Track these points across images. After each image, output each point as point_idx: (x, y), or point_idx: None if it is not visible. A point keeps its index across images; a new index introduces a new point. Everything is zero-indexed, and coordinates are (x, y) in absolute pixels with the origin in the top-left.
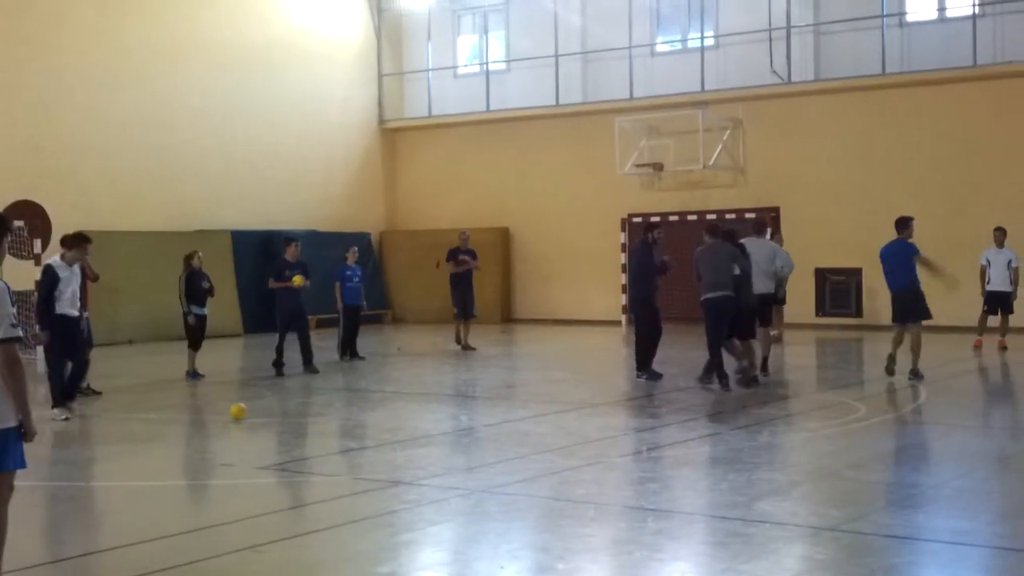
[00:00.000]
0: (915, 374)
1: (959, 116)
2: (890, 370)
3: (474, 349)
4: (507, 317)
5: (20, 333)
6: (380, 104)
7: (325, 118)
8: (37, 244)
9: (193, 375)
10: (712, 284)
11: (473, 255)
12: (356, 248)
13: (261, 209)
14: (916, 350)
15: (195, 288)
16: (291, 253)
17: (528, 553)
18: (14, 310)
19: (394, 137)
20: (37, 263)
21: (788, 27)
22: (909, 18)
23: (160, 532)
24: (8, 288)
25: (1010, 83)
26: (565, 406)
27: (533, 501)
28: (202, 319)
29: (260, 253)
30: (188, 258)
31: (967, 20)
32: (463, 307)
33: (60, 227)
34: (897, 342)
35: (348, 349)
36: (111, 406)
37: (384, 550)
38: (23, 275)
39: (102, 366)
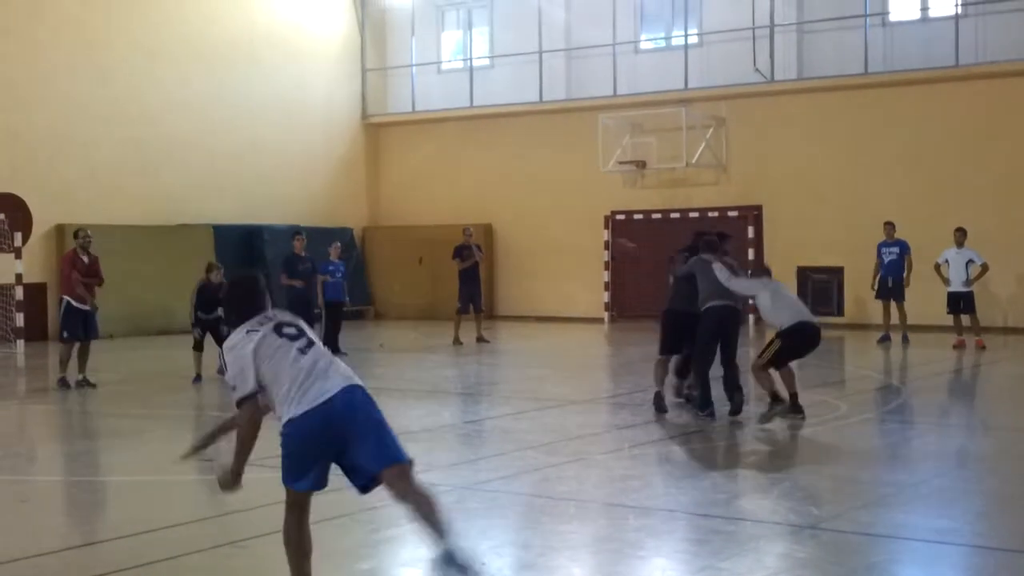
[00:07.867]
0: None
1: (941, 116)
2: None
3: (488, 341)
4: (489, 313)
5: (251, 389)
6: (363, 99)
7: (308, 113)
8: (18, 237)
9: (197, 379)
10: (720, 292)
11: (479, 248)
12: (339, 243)
13: (243, 204)
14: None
15: (204, 299)
16: (299, 247)
17: (509, 550)
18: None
19: (377, 132)
20: (18, 256)
21: (772, 26)
22: (892, 18)
23: (142, 527)
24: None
25: (992, 83)
26: (547, 403)
27: (514, 498)
28: (204, 323)
29: (242, 247)
30: (208, 270)
31: (949, 20)
32: (470, 302)
33: (40, 221)
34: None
35: (330, 345)
36: (92, 401)
37: (365, 546)
38: (3, 268)
39: None
